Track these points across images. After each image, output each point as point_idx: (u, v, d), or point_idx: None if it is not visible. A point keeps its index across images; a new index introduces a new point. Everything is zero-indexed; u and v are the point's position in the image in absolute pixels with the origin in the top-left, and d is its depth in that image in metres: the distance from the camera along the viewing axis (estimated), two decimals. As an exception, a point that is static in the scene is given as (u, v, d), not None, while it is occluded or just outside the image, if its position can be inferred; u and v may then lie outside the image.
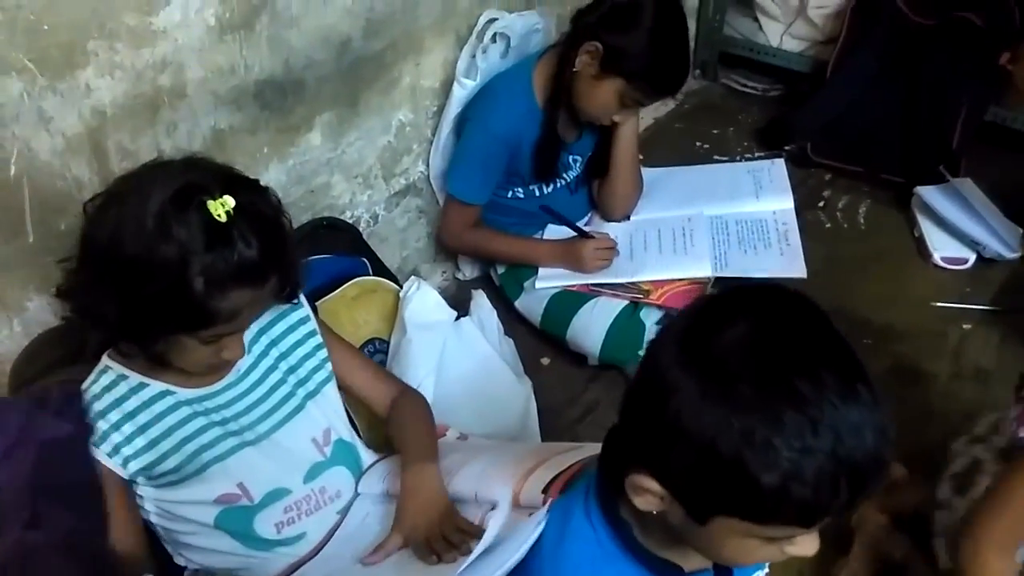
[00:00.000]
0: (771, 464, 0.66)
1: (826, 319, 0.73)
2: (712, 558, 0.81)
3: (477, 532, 1.07)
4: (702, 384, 0.69)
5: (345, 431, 1.25)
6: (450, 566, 1.04)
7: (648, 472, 0.75)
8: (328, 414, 1.23)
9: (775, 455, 0.66)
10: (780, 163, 2.06)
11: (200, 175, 0.99)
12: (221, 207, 0.95)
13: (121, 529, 1.09)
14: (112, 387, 1.09)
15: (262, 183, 1.08)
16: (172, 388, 1.11)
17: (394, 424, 1.28)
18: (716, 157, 2.43)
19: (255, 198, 1.01)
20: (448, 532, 1.10)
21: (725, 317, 0.72)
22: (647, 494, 0.76)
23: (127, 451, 1.08)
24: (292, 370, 1.21)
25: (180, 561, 1.16)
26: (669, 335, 0.75)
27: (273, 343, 1.20)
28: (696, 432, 0.69)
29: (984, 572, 1.05)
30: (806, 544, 0.75)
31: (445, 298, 1.70)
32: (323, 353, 1.25)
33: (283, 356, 1.21)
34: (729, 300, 0.75)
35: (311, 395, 1.22)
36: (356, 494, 1.24)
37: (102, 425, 1.07)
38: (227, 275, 0.96)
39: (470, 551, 1.04)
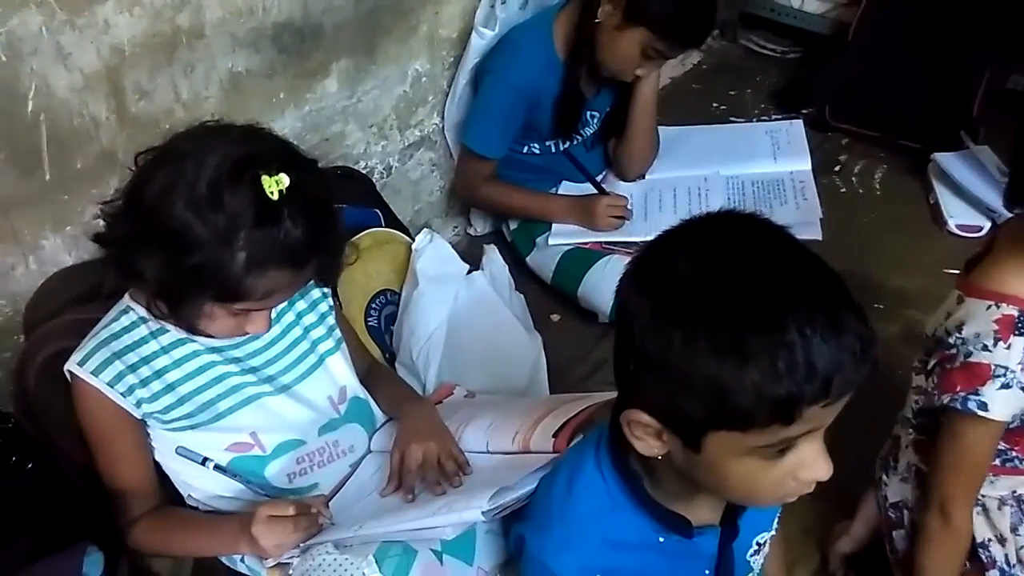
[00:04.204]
0: (734, 366, 0.67)
1: (785, 235, 0.73)
2: (725, 495, 0.80)
3: (466, 468, 1.12)
4: (656, 302, 0.71)
5: (361, 389, 1.25)
6: (445, 498, 1.05)
7: (638, 406, 0.76)
8: (345, 372, 1.23)
9: (737, 358, 0.67)
10: (798, 124, 2.04)
11: (260, 148, 0.97)
12: (276, 184, 0.93)
13: (130, 467, 1.10)
14: (132, 328, 1.09)
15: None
16: (197, 333, 1.10)
17: (380, 381, 1.31)
18: (733, 118, 2.41)
19: (309, 178, 0.98)
20: (444, 457, 1.12)
21: (678, 243, 0.74)
22: (643, 431, 0.76)
23: (141, 393, 1.08)
24: (312, 327, 1.21)
25: (191, 502, 1.16)
26: (630, 267, 0.77)
27: (291, 300, 1.20)
28: (656, 351, 0.70)
29: (954, 533, 1.12)
30: (816, 467, 0.73)
31: (457, 252, 1.69)
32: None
33: (302, 313, 1.21)
34: (684, 227, 0.76)
35: (330, 352, 1.22)
36: (368, 451, 1.25)
37: (118, 365, 1.06)
38: (270, 255, 0.95)
39: (460, 484, 1.07)
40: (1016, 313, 1.01)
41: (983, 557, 1.15)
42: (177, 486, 1.17)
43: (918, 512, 1.17)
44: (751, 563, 0.95)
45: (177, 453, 1.12)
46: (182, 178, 0.93)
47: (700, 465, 0.75)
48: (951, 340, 1.05)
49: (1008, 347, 1.01)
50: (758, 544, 0.95)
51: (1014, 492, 1.17)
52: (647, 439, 0.77)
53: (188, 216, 0.93)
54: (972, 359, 1.02)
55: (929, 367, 1.10)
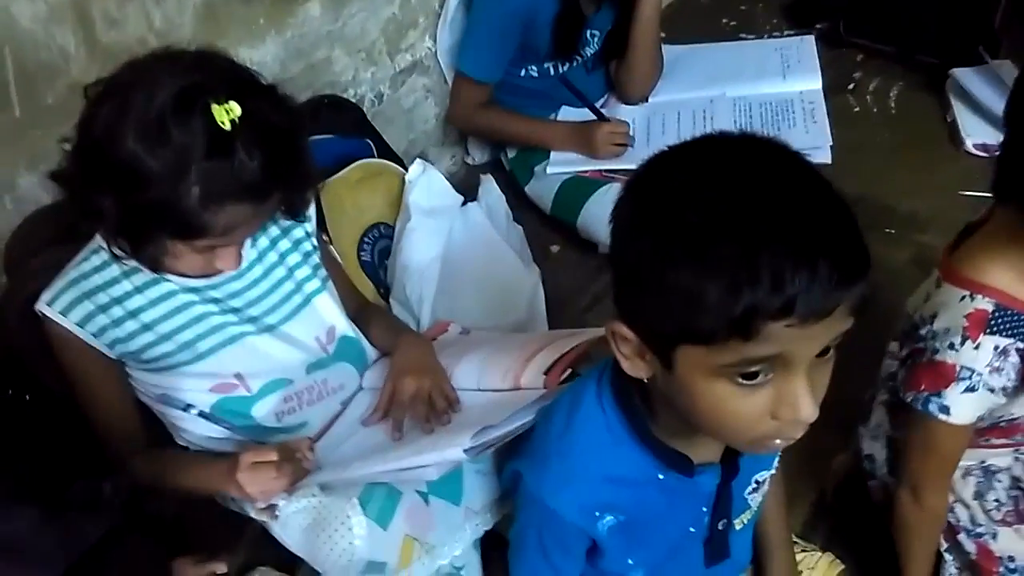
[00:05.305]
0: (697, 274, 0.65)
1: (797, 159, 0.69)
2: (701, 424, 0.76)
3: (456, 406, 1.11)
4: (636, 210, 0.71)
5: (351, 328, 1.22)
6: (430, 437, 1.04)
7: (620, 319, 0.74)
8: (334, 311, 1.20)
9: (701, 266, 0.64)
10: (810, 40, 1.96)
11: (209, 75, 0.92)
12: (226, 113, 0.89)
13: (110, 406, 1.09)
14: (103, 268, 1.06)
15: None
16: (168, 275, 1.07)
17: (374, 318, 1.28)
18: (743, 35, 2.30)
19: (267, 106, 0.94)
20: (435, 394, 1.11)
21: (679, 157, 0.72)
22: (629, 349, 0.74)
23: (115, 333, 1.05)
24: (296, 267, 1.18)
25: (180, 442, 1.15)
26: (630, 178, 0.74)
27: (274, 240, 1.16)
28: (629, 257, 0.70)
29: (925, 514, 1.08)
30: (796, 405, 0.69)
31: (454, 183, 1.66)
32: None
33: (285, 253, 1.17)
34: (690, 143, 0.73)
35: (317, 292, 1.19)
36: (360, 388, 1.23)
37: (88, 305, 1.04)
38: (225, 189, 0.91)
39: (449, 422, 1.06)
40: (991, 308, 0.93)
41: (951, 520, 1.12)
42: (167, 426, 1.16)
43: (893, 489, 1.12)
44: (749, 501, 0.94)
45: (160, 401, 1.10)
46: (129, 110, 0.89)
47: (676, 387, 0.73)
48: (923, 332, 0.98)
49: (976, 347, 0.93)
50: (757, 483, 0.94)
51: (982, 462, 1.12)
52: (633, 358, 0.75)
53: (137, 150, 0.88)
54: (938, 357, 0.95)
55: (902, 355, 1.04)
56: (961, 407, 0.96)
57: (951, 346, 0.94)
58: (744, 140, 0.71)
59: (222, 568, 1.06)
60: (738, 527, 0.94)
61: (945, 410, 0.96)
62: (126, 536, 1.08)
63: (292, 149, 0.97)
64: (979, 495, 1.11)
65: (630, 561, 0.89)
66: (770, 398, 0.69)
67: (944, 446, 1.03)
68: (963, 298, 0.95)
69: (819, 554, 1.12)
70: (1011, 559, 1.08)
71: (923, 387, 0.97)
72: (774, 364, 0.67)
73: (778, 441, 0.74)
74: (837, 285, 0.63)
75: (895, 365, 1.11)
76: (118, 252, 0.99)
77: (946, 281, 0.98)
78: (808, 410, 0.69)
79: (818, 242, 0.63)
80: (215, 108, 0.88)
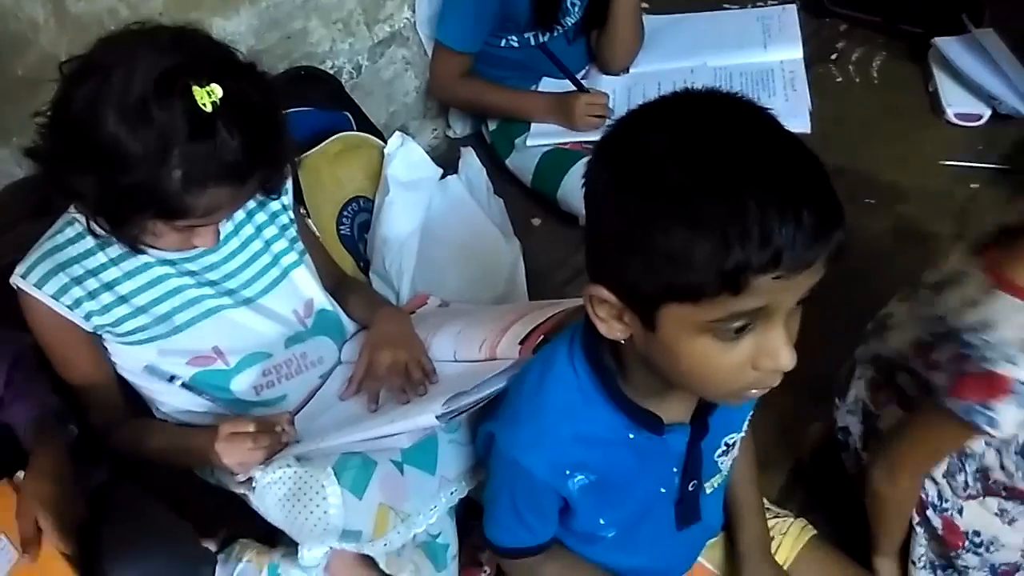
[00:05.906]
0: (685, 232, 0.65)
1: (767, 116, 0.70)
2: (685, 382, 0.77)
3: (432, 376, 1.11)
4: (616, 171, 0.70)
5: (328, 301, 1.22)
6: (407, 407, 1.05)
7: (599, 282, 0.74)
8: (311, 285, 1.20)
9: (688, 224, 0.65)
10: (791, 10, 1.94)
11: (189, 56, 0.91)
12: (207, 96, 0.88)
13: (88, 378, 1.09)
14: (77, 240, 1.05)
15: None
16: (143, 247, 1.06)
17: (352, 291, 1.28)
18: (726, 5, 2.28)
19: (247, 86, 0.93)
20: (411, 366, 1.11)
21: (650, 116, 0.72)
22: (606, 312, 0.75)
23: (90, 306, 1.05)
24: (273, 240, 1.17)
25: (159, 415, 1.15)
26: (599, 140, 0.74)
27: (251, 212, 1.16)
28: (612, 219, 0.70)
29: (897, 492, 1.09)
30: (776, 355, 0.70)
31: (435, 156, 1.65)
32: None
33: (262, 226, 1.17)
34: (659, 102, 0.73)
35: (294, 265, 1.19)
36: (339, 361, 1.23)
37: (62, 277, 1.03)
38: (207, 171, 0.91)
39: (424, 393, 1.06)
40: None
41: (921, 495, 1.12)
42: (145, 401, 1.16)
43: (868, 467, 1.12)
44: (719, 464, 0.95)
45: (145, 371, 1.10)
46: (109, 91, 0.88)
47: (657, 347, 0.73)
48: (968, 338, 0.94)
49: None
50: (727, 445, 0.95)
51: None
52: (610, 321, 0.75)
53: (118, 132, 0.88)
54: (991, 367, 0.92)
55: (934, 358, 1.01)
56: (1008, 420, 0.93)
57: (1008, 359, 0.91)
58: (710, 97, 0.72)
59: (213, 547, 1.07)
60: (708, 491, 0.95)
61: (992, 422, 0.93)
62: (125, 483, 1.09)
63: (272, 128, 0.97)
64: (949, 474, 1.10)
65: (601, 521, 0.91)
66: (751, 349, 0.70)
67: (948, 445, 1.03)
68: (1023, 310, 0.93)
69: (791, 519, 1.13)
70: (976, 533, 1.09)
71: (969, 396, 0.94)
72: (756, 316, 0.68)
73: (755, 391, 0.75)
74: (820, 234, 0.65)
75: (884, 348, 1.10)
76: (97, 230, 0.99)
77: (1000, 289, 0.95)
78: (787, 359, 0.71)
79: (799, 192, 0.65)
80: (196, 90, 0.88)
